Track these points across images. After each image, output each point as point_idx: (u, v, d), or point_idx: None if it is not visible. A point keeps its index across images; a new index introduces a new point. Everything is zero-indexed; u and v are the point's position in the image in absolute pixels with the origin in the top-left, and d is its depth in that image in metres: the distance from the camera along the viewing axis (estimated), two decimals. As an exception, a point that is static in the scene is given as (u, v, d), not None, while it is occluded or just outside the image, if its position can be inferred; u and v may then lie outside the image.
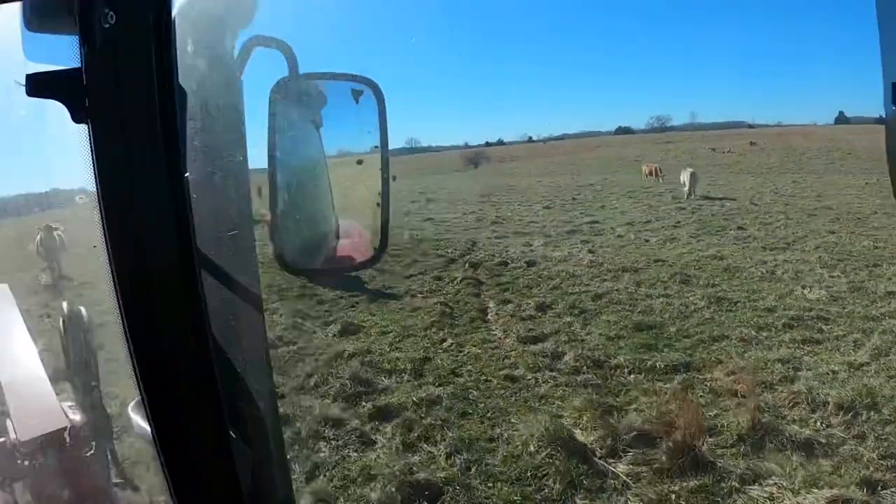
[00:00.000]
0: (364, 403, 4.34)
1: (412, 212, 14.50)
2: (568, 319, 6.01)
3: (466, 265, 8.56)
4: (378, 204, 1.14)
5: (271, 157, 0.95)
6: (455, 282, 7.67)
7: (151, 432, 0.69)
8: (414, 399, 4.29)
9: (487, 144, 32.24)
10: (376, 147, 1.11)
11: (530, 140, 33.15)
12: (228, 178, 0.81)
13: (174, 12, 0.64)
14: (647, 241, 9.75)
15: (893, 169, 0.38)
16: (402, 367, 4.96)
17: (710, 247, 8.95)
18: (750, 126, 26.23)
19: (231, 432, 0.72)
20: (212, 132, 0.78)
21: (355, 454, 3.71)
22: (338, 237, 1.40)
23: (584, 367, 4.83)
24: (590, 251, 9.03)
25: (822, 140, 21.15)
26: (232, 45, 0.83)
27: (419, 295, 7.24)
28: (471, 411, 4.24)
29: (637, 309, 6.23)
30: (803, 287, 6.55)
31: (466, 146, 31.62)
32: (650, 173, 18.20)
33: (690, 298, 6.50)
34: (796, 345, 5.10)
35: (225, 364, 0.74)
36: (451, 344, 5.52)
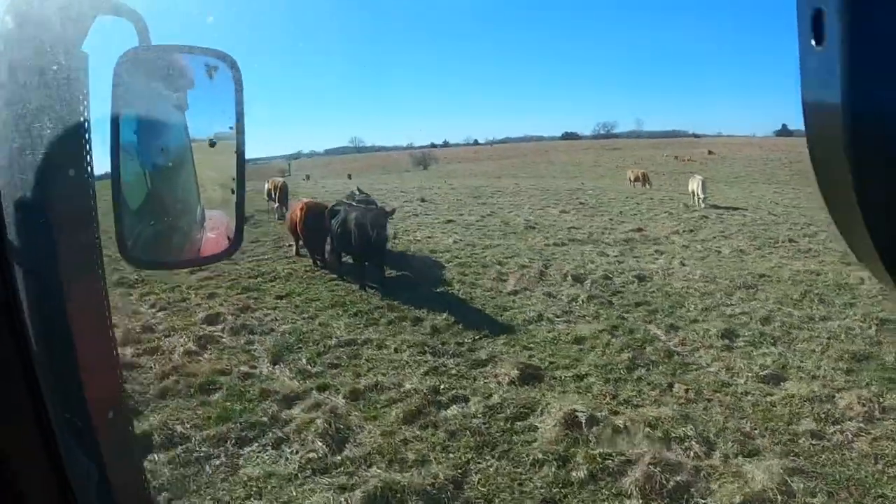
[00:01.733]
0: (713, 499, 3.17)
1: (420, 213, 13.05)
2: (774, 350, 5.34)
3: (567, 277, 7.55)
4: (233, 190, 1.07)
5: (114, 139, 0.87)
6: (582, 302, 6.65)
7: None
8: (771, 482, 3.22)
9: (433, 146, 32.16)
10: (232, 127, 1.00)
11: (476, 143, 33.63)
12: (65, 164, 0.72)
13: None
14: (718, 251, 9.56)
15: (821, 183, 0.37)
16: (682, 432, 3.85)
17: (789, 260, 8.95)
18: (696, 136, 28.55)
19: (67, 444, 0.67)
20: (46, 111, 0.71)
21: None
22: (201, 227, 1.29)
23: (876, 412, 4.16)
24: (682, 264, 8.54)
25: (776, 151, 23.53)
26: (76, 13, 0.75)
27: (559, 319, 6.09)
28: (829, 489, 3.30)
29: (823, 335, 5.75)
30: (944, 305, 6.62)
31: (410, 147, 31.56)
32: (636, 179, 18.66)
33: (852, 320, 6.20)
34: None
35: (55, 367, 0.69)
36: (687, 390, 4.51)
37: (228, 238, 1.15)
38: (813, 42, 0.35)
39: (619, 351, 5.20)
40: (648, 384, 4.63)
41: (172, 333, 6.09)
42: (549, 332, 5.77)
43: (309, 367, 5.07)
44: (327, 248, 8.02)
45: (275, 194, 11.78)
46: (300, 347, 5.53)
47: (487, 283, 7.47)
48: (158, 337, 5.99)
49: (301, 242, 8.82)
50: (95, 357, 0.78)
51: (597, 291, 7.04)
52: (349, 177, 23.00)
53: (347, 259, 7.81)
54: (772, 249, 9.76)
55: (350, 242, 7.29)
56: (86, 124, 0.73)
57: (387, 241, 7.28)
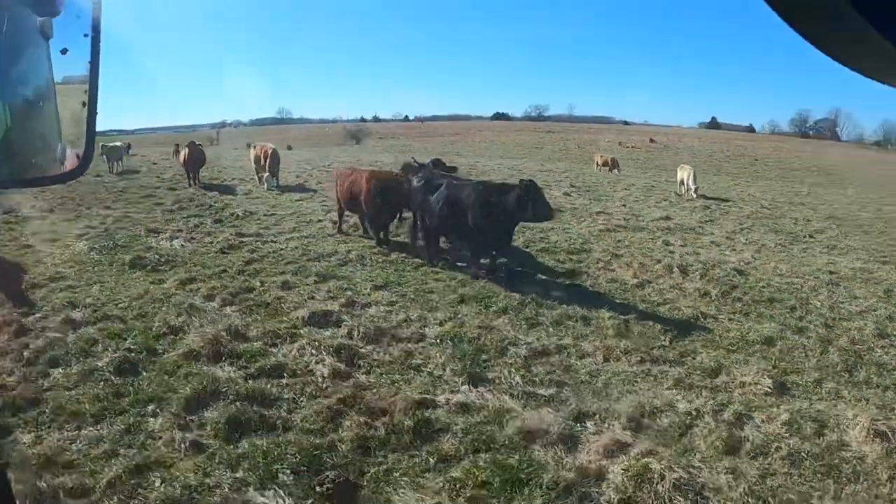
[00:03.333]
0: None
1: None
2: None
3: (674, 269, 7.67)
4: (83, 103, 1.12)
5: None
6: (717, 297, 6.81)
7: None
8: None
9: (363, 120, 31.15)
10: (87, 35, 1.08)
11: (406, 119, 33.28)
12: None
13: None
14: (764, 245, 10.43)
15: None
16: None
17: (828, 255, 10.06)
18: (626, 123, 31.00)
19: None
20: None
21: None
22: (61, 165, 1.38)
23: None
24: (753, 257, 9.17)
25: (713, 143, 26.50)
26: None
27: (721, 317, 6.18)
28: None
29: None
30: None
31: (338, 120, 30.35)
32: (605, 164, 19.67)
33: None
34: None
35: None
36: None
37: (77, 156, 1.14)
38: None
39: (821, 353, 5.41)
40: (881, 387, 4.89)
41: (279, 342, 4.98)
42: (727, 331, 5.82)
43: (528, 386, 4.47)
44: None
45: (263, 162, 10.27)
46: (487, 360, 4.86)
47: (598, 272, 7.31)
48: (263, 348, 4.85)
49: (349, 218, 7.78)
50: None
51: (718, 286, 7.26)
52: (289, 147, 21.26)
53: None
54: (804, 244, 10.86)
55: (464, 224, 6.58)
56: None
57: (549, 218, 6.65)
